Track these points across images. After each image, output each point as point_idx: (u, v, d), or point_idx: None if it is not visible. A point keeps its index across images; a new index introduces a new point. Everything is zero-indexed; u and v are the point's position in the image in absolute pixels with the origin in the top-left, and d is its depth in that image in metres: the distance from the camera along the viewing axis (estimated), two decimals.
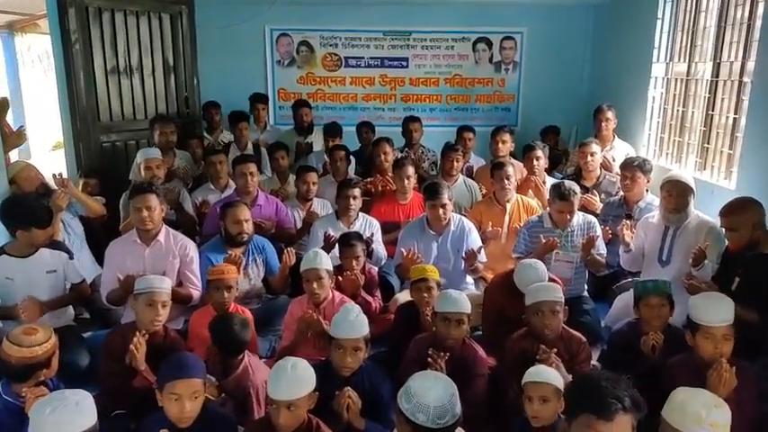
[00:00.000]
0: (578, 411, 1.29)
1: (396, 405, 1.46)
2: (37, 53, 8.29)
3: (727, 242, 2.55)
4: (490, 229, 3.14)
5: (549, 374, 1.73)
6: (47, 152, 7.80)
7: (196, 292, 2.68)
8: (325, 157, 4.10)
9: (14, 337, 1.79)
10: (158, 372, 1.72)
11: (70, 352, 2.37)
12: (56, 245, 2.67)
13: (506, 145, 4.03)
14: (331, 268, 2.47)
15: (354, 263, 2.72)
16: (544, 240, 2.78)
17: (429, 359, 1.99)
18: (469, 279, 3.08)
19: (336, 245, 2.89)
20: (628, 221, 2.96)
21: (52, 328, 1.92)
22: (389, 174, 3.70)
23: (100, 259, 2.96)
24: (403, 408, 1.42)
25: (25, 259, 2.51)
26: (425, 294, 2.41)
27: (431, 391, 1.41)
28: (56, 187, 2.97)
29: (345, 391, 1.79)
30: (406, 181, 3.45)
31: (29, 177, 3.08)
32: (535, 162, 3.64)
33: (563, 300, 2.13)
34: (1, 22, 6.98)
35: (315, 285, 2.38)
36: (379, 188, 3.69)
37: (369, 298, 2.71)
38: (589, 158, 3.68)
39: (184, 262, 2.68)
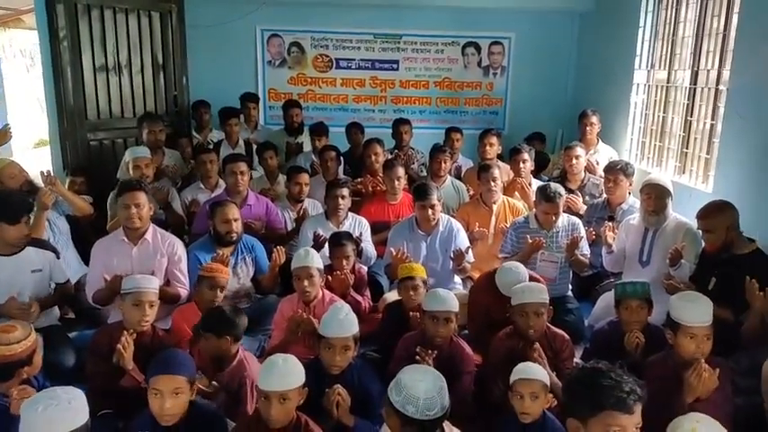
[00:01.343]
0: (597, 410, 1.32)
1: (386, 398, 1.50)
2: (19, 48, 8.14)
3: (703, 243, 2.64)
4: (477, 229, 3.20)
5: (538, 371, 1.79)
6: (29, 150, 7.64)
7: (184, 291, 2.68)
8: (314, 157, 4.12)
9: None
10: (147, 369, 1.73)
11: (56, 351, 2.35)
12: (42, 244, 2.64)
13: (494, 147, 4.10)
14: (322, 267, 2.50)
15: (344, 262, 2.75)
16: (530, 241, 2.85)
17: (417, 356, 2.02)
18: (457, 279, 3.13)
19: (326, 244, 2.91)
20: (610, 223, 3.04)
21: (32, 326, 1.91)
22: (380, 174, 3.74)
23: (86, 258, 2.94)
24: (393, 400, 1.46)
25: (10, 257, 2.47)
26: (412, 293, 2.45)
27: (421, 383, 1.45)
28: (41, 185, 2.93)
29: (335, 388, 1.81)
30: (396, 182, 3.49)
31: (12, 175, 3.03)
32: (521, 165, 3.72)
33: (548, 301, 2.19)
34: None
35: (306, 283, 2.40)
36: (369, 188, 3.73)
37: (358, 297, 2.73)
38: (574, 161, 3.77)
39: (172, 261, 2.68)
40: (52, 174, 3.04)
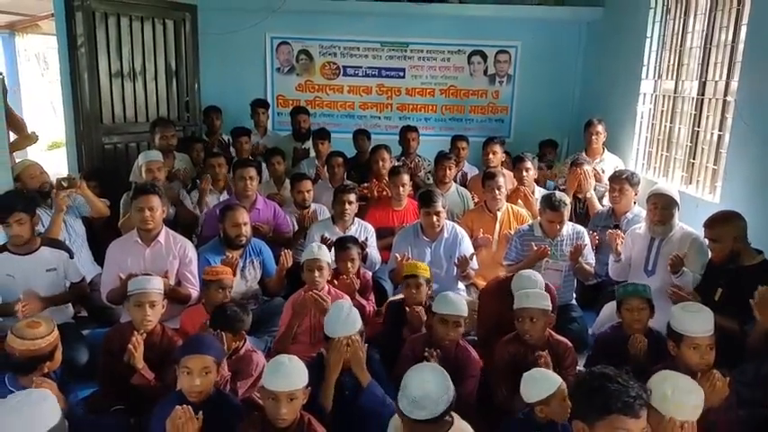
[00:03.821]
0: (605, 413, 1.35)
1: (396, 407, 1.57)
2: (33, 52, 8.32)
3: (710, 254, 2.64)
4: (481, 236, 3.23)
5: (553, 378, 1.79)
6: (43, 152, 7.79)
7: (195, 292, 2.73)
8: (317, 162, 4.18)
9: (18, 331, 1.85)
10: (178, 349, 1.87)
11: (70, 348, 2.38)
12: (56, 244, 2.72)
13: (497, 155, 4.13)
14: (330, 261, 2.60)
15: (350, 266, 2.79)
16: (535, 248, 2.87)
17: (425, 359, 2.06)
18: (461, 285, 3.15)
19: (332, 248, 2.96)
20: (618, 231, 3.05)
21: (54, 322, 1.97)
22: (385, 180, 3.79)
23: (99, 259, 3.01)
24: (402, 406, 1.53)
25: (26, 257, 2.56)
26: (414, 291, 2.50)
27: (427, 383, 1.52)
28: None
29: (353, 338, 1.89)
30: (400, 188, 3.52)
31: (33, 175, 3.15)
32: (525, 173, 3.74)
33: (548, 308, 2.19)
34: (2, 23, 7.02)
35: (316, 274, 2.50)
36: (375, 194, 3.77)
37: (363, 301, 2.77)
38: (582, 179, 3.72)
39: (183, 263, 2.74)
40: (75, 177, 3.15)
